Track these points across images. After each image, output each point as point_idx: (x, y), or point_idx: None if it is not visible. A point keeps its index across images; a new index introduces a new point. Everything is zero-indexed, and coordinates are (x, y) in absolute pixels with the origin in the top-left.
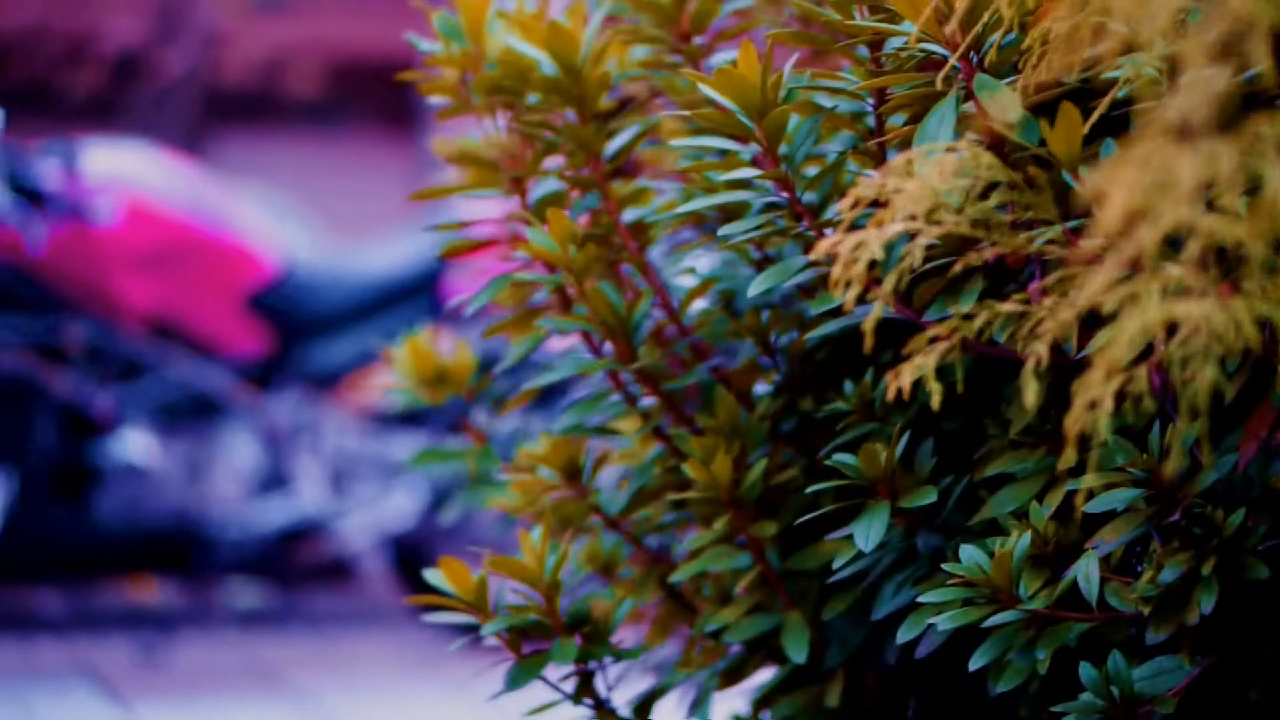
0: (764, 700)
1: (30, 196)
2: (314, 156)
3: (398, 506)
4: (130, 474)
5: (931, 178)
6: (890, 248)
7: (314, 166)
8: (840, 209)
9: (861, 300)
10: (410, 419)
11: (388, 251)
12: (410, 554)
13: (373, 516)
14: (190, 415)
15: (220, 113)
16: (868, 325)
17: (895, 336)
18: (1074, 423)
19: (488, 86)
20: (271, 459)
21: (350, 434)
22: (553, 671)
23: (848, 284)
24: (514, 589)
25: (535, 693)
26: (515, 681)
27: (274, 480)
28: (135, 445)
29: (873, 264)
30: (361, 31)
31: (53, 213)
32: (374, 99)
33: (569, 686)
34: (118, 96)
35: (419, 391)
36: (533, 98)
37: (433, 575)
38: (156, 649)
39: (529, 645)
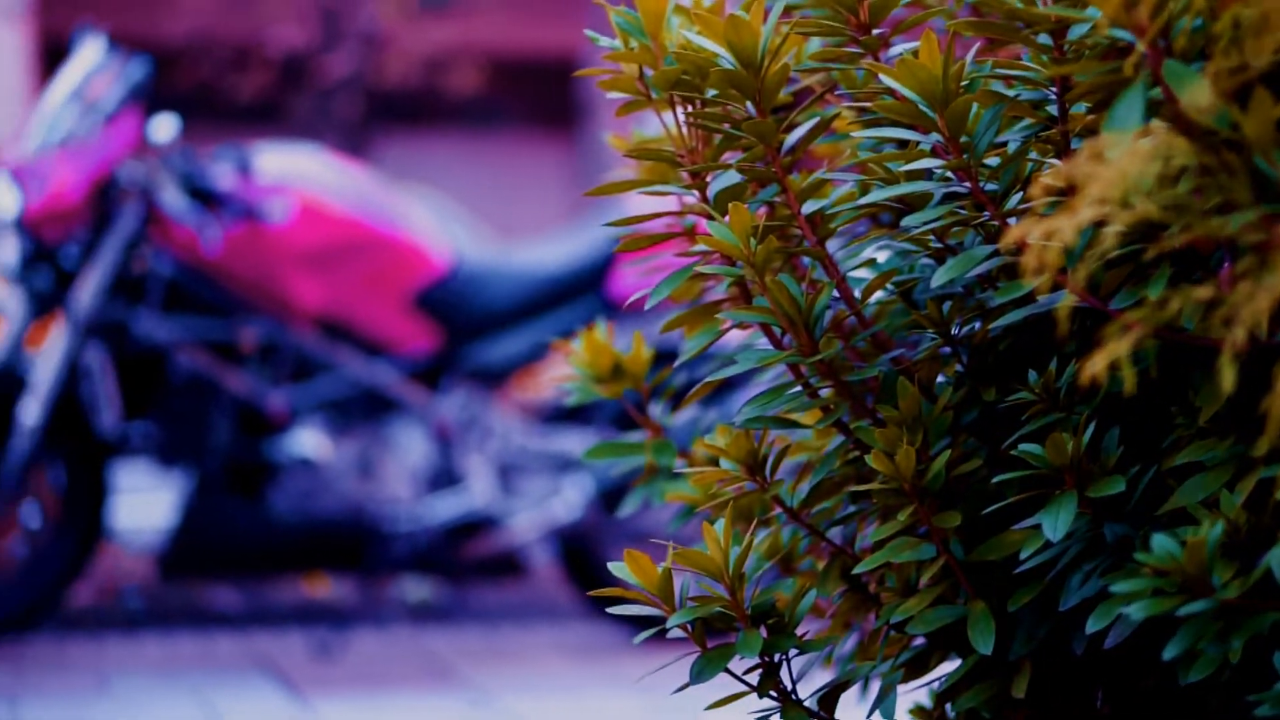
0: (947, 693)
1: (205, 199)
2: (473, 155)
3: (565, 501)
4: (304, 471)
5: (1125, 163)
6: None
7: (473, 165)
8: (1031, 196)
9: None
10: (575, 414)
11: (554, 248)
12: (577, 548)
13: (541, 511)
14: (362, 413)
15: (381, 114)
16: (1061, 312)
17: (1080, 325)
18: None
19: (666, 81)
20: (441, 455)
21: (518, 430)
22: (736, 665)
23: (1038, 272)
24: (698, 581)
25: (704, 690)
26: (702, 673)
27: (444, 476)
28: (309, 442)
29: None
30: (521, 31)
31: (227, 214)
32: (533, 98)
33: (753, 680)
34: (282, 100)
35: (594, 386)
36: (711, 91)
37: (616, 568)
38: (331, 644)
39: (711, 639)
